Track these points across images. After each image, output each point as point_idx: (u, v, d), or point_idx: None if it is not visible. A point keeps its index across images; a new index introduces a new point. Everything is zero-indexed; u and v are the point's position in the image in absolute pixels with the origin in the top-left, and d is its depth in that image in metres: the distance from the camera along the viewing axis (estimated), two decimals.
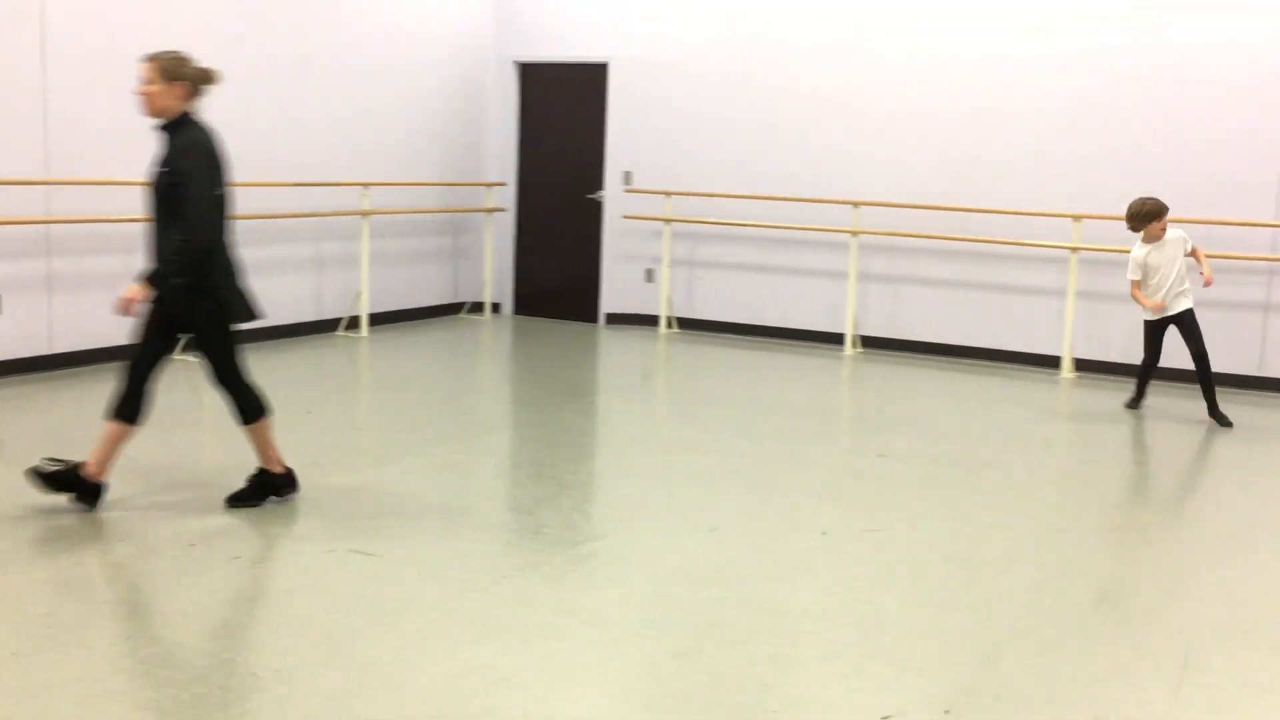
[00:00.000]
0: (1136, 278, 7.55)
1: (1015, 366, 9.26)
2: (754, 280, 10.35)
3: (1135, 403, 7.92)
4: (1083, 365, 9.09)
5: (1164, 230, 7.45)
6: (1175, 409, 7.91)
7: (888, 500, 5.57)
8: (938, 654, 3.84)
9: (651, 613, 4.10)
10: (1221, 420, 7.46)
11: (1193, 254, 7.52)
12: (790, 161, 10.05)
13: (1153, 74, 8.77)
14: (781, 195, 9.98)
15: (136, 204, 7.93)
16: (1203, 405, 7.57)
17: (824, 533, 5.03)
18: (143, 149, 8.12)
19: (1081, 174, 9.02)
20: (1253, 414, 7.82)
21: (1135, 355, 8.96)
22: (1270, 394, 8.54)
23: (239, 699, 3.36)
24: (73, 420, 6.61)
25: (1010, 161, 9.28)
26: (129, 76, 7.96)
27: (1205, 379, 7.48)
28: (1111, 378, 8.92)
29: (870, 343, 9.84)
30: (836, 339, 9.89)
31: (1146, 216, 7.43)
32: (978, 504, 5.57)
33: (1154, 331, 7.68)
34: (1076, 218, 8.79)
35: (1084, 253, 8.89)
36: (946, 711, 3.43)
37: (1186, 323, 7.50)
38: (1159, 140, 8.78)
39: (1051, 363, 9.16)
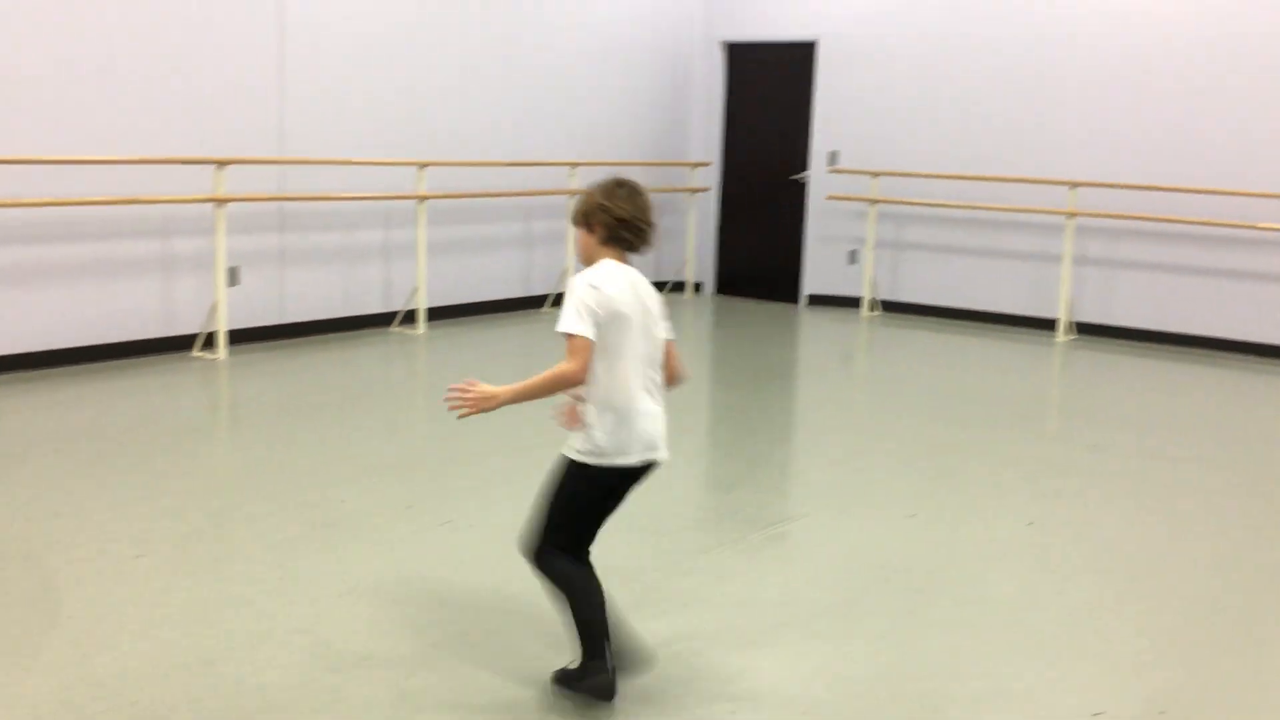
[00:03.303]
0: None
1: (1243, 357, 8.77)
2: (961, 263, 10.09)
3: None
4: None
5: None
6: None
7: (1097, 493, 5.38)
8: (1148, 651, 3.69)
9: (845, 595, 4.08)
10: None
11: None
12: (1002, 140, 9.75)
13: None
14: (992, 175, 9.69)
15: (363, 182, 8.31)
16: None
17: (1030, 523, 4.90)
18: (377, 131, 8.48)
19: None
20: None
21: None
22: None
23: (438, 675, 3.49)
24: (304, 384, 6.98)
25: (1232, 139, 8.77)
26: (363, 57, 8.33)
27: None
28: None
29: (1084, 329, 9.47)
30: (1047, 325, 9.56)
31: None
32: (1191, 502, 5.32)
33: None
34: None
35: None
36: (1162, 712, 3.29)
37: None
38: None
39: (1278, 354, 8.65)
